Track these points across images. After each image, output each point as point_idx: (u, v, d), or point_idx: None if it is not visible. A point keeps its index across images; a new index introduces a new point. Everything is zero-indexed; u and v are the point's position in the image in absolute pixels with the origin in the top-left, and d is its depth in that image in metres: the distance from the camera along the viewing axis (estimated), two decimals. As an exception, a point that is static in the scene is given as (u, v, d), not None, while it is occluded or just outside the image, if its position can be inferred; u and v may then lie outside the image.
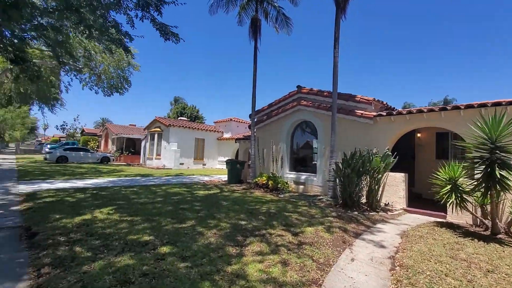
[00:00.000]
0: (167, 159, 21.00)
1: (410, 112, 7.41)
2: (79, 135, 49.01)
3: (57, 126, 76.07)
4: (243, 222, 5.54)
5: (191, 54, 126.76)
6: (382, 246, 4.69)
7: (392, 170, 9.12)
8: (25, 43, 7.72)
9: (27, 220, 5.18)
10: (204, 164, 22.95)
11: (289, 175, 10.90)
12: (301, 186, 10.27)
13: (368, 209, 7.17)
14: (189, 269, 3.35)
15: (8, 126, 34.27)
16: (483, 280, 3.38)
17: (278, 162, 11.21)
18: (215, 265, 3.49)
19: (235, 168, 11.81)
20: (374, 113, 8.14)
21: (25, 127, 36.98)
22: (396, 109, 8.52)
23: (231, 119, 23.41)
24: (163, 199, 7.66)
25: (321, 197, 8.70)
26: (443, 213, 6.89)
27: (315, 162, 10.22)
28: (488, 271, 3.63)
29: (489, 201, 5.35)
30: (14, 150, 42.07)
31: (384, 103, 8.92)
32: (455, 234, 5.28)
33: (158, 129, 21.89)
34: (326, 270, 3.61)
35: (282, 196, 8.98)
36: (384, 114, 7.90)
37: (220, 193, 9.23)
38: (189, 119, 31.75)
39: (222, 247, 4.12)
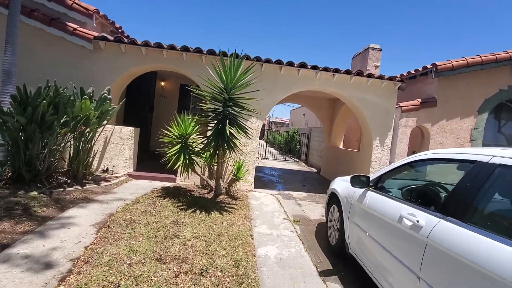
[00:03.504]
0: None
1: (147, 45, 5.35)
2: None
3: None
4: None
5: None
6: (48, 266, 2.32)
7: (126, 123, 6.97)
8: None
9: None
10: None
11: None
12: None
13: (70, 181, 4.50)
14: None
15: None
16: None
17: None
18: None
19: None
20: (96, 34, 5.24)
21: None
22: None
23: None
24: None
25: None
26: (174, 176, 5.83)
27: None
28: (202, 273, 2.42)
29: (216, 161, 4.68)
30: None
31: (118, 26, 6.24)
32: (178, 206, 4.10)
33: None
34: None
35: None
36: (112, 38, 5.25)
37: None
38: None
39: None
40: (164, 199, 4.40)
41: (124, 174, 5.57)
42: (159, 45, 5.35)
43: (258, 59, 5.61)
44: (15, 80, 4.59)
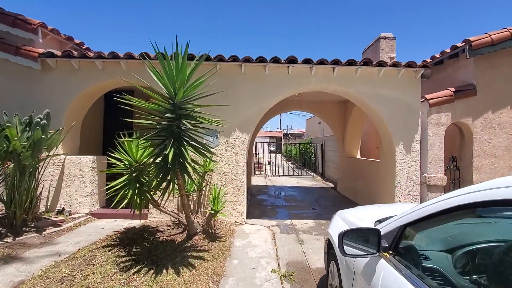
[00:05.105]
0: None
1: (100, 57, 4.50)
2: None
3: None
4: None
5: None
6: None
7: (104, 150, 6.19)
8: None
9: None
10: None
11: None
12: None
13: (4, 231, 3.58)
14: None
15: None
16: None
17: None
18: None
19: None
20: (42, 50, 4.48)
21: None
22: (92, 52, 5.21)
23: None
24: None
25: None
26: (147, 211, 4.76)
27: None
28: None
29: (179, 193, 3.56)
30: None
31: (78, 41, 5.51)
32: (122, 262, 2.97)
33: None
34: None
35: None
36: (59, 54, 4.47)
37: None
38: None
39: None
40: (110, 250, 3.31)
41: (86, 214, 4.60)
42: (114, 56, 4.48)
43: (235, 58, 4.54)
44: None
